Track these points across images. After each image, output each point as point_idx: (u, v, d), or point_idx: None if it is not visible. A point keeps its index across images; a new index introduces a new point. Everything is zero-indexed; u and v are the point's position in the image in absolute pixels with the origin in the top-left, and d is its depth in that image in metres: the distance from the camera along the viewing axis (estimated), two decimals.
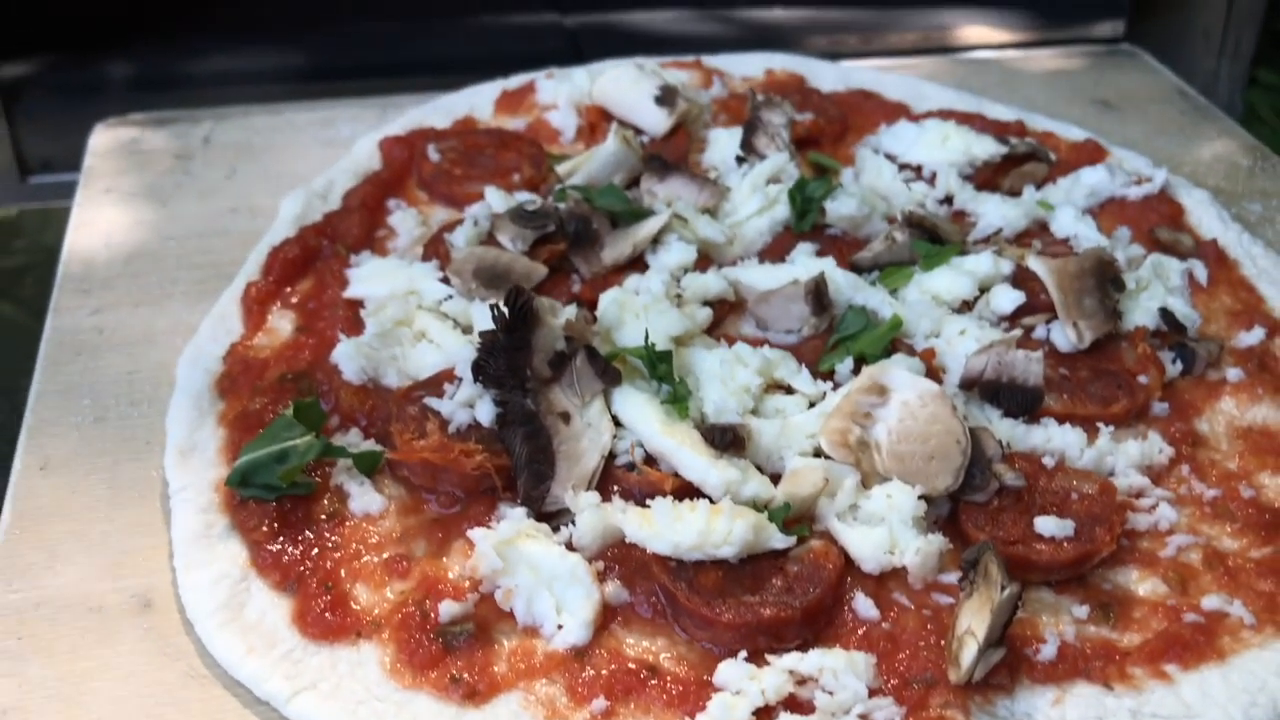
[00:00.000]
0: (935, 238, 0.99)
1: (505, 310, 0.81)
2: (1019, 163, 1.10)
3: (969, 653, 0.68)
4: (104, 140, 1.21)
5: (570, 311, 0.84)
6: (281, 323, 0.94)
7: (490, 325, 0.82)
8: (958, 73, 1.35)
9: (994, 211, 1.03)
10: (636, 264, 0.97)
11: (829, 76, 1.26)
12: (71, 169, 1.19)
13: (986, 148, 1.10)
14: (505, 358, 0.81)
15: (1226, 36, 1.59)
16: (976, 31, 1.61)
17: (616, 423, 0.82)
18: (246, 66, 1.42)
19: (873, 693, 0.68)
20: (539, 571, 0.73)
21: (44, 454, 0.86)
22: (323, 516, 0.79)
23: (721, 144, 1.11)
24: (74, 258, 1.04)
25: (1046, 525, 0.76)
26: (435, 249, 0.98)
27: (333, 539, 0.77)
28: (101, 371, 0.93)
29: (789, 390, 0.85)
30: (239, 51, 1.41)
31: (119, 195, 1.13)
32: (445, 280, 0.94)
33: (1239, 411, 0.89)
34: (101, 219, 1.09)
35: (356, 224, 1.02)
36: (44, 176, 1.43)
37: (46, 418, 0.89)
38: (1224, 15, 1.58)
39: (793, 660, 0.69)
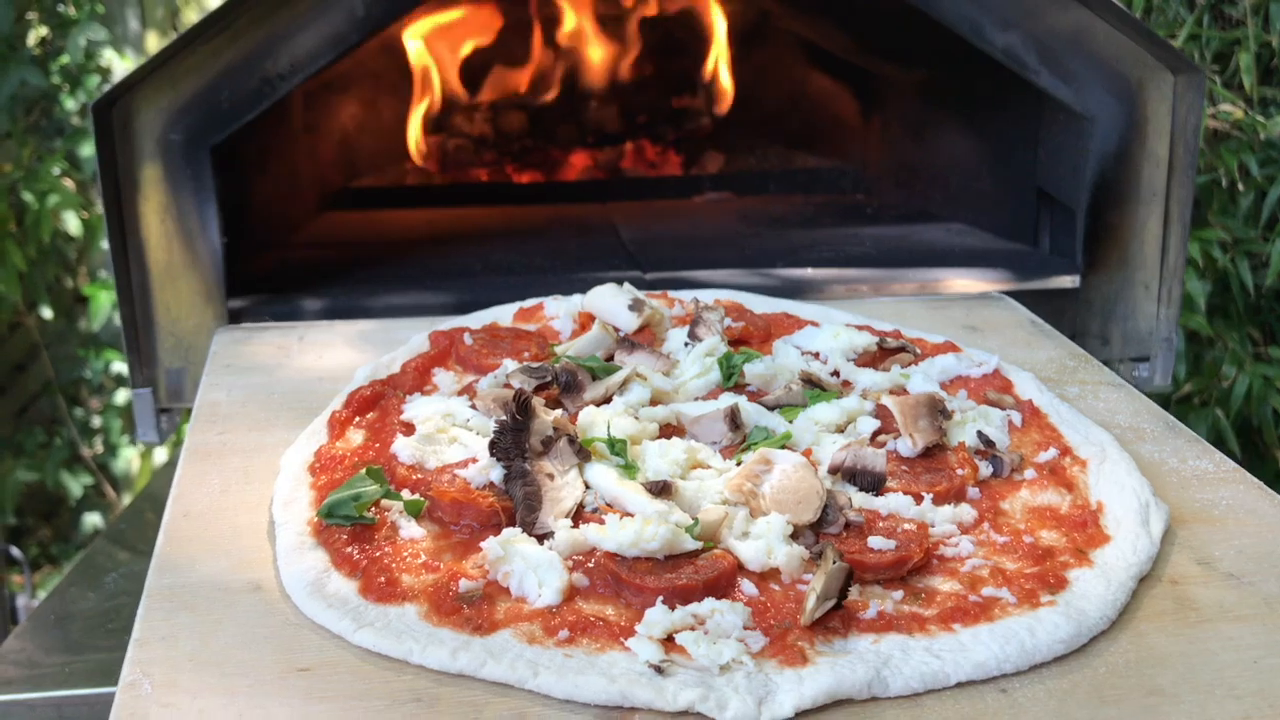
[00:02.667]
0: (821, 389, 1.38)
1: (514, 404, 1.20)
2: (891, 353, 1.52)
3: (811, 601, 1.02)
4: (224, 337, 1.65)
5: (558, 413, 1.23)
6: (355, 435, 1.33)
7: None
8: (868, 308, 1.78)
9: (867, 379, 1.43)
10: (608, 403, 1.37)
11: (760, 305, 1.70)
12: None
13: (866, 341, 1.51)
14: (511, 437, 1.19)
15: (1161, 288, 2.05)
16: (961, 283, 2.01)
17: (587, 486, 1.19)
18: (399, 302, 1.88)
19: (747, 630, 1.02)
20: (528, 560, 1.08)
21: (186, 508, 1.23)
22: (380, 538, 1.14)
23: (675, 338, 1.53)
24: (205, 402, 1.45)
25: (876, 542, 1.11)
26: (467, 390, 1.38)
27: (387, 549, 1.13)
28: (225, 465, 1.31)
29: (707, 467, 1.22)
30: (395, 292, 1.87)
31: (236, 368, 1.55)
32: (472, 407, 1.34)
33: (1031, 496, 1.25)
34: (223, 381, 1.51)
35: (410, 380, 1.43)
36: None
37: (187, 489, 1.26)
38: (1158, 273, 2.04)
39: (694, 606, 1.02)
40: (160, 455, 3.99)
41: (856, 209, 2.65)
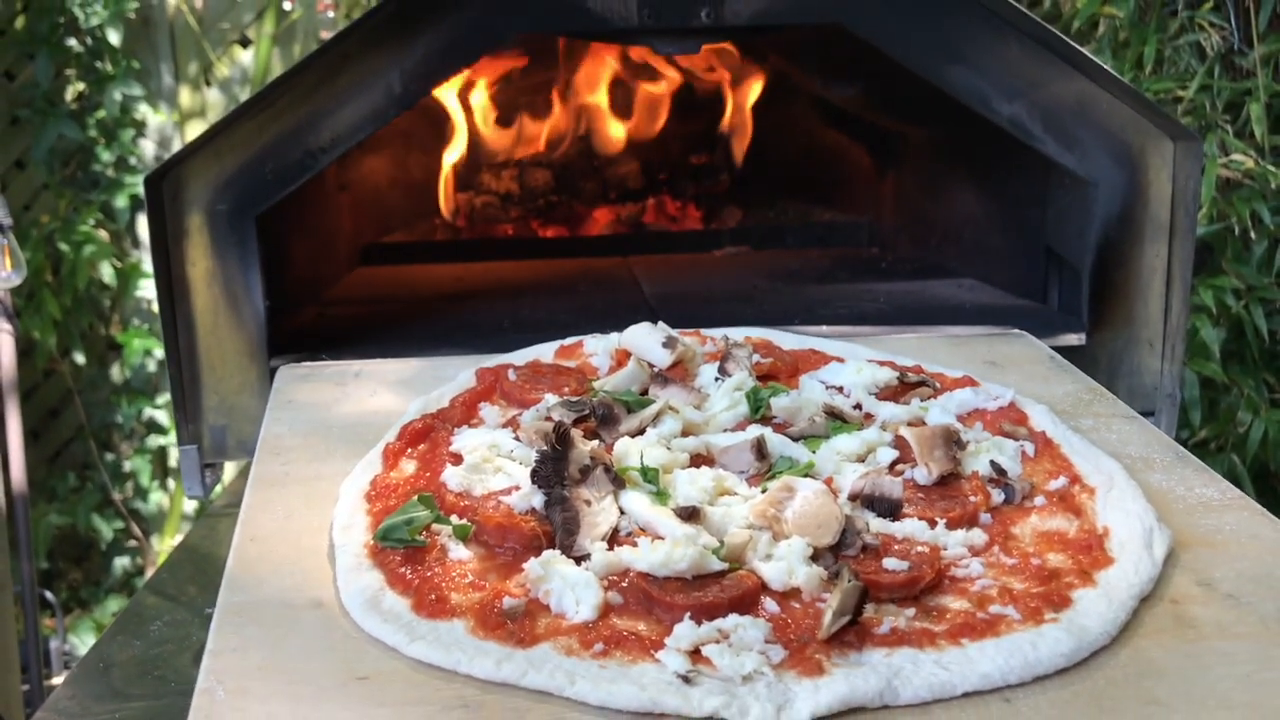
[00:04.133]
0: (843, 421, 1.47)
1: (553, 436, 1.30)
2: (911, 387, 1.60)
3: (828, 616, 1.10)
4: (285, 375, 1.76)
5: (595, 443, 1.33)
6: (408, 465, 1.43)
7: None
8: (893, 344, 1.86)
9: (887, 412, 1.52)
10: (642, 434, 1.46)
11: (789, 341, 1.79)
12: None
13: (888, 376, 1.60)
14: (551, 466, 1.29)
15: (1165, 346, 2.11)
16: (971, 330, 2.07)
17: (621, 511, 1.28)
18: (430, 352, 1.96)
19: (768, 643, 1.10)
20: (566, 579, 1.17)
21: (253, 533, 1.33)
22: (431, 560, 1.24)
23: (707, 373, 1.62)
24: (268, 435, 1.56)
25: (890, 563, 1.19)
26: (511, 423, 1.48)
27: (437, 570, 1.22)
28: (288, 493, 1.41)
29: (734, 494, 1.31)
30: (428, 350, 1.95)
31: (297, 404, 1.66)
32: (516, 439, 1.43)
33: (1040, 522, 1.32)
34: (286, 416, 1.62)
35: (459, 414, 1.53)
36: None
37: (253, 516, 1.37)
38: (1161, 330, 2.10)
39: (719, 621, 1.11)
40: (190, 503, 4.11)
41: (871, 263, 2.71)
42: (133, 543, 4.22)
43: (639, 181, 3.05)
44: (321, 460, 1.49)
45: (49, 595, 3.57)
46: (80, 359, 4.08)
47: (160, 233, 1.91)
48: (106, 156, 3.98)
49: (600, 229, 2.97)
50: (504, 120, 2.97)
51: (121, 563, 4.21)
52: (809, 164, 3.06)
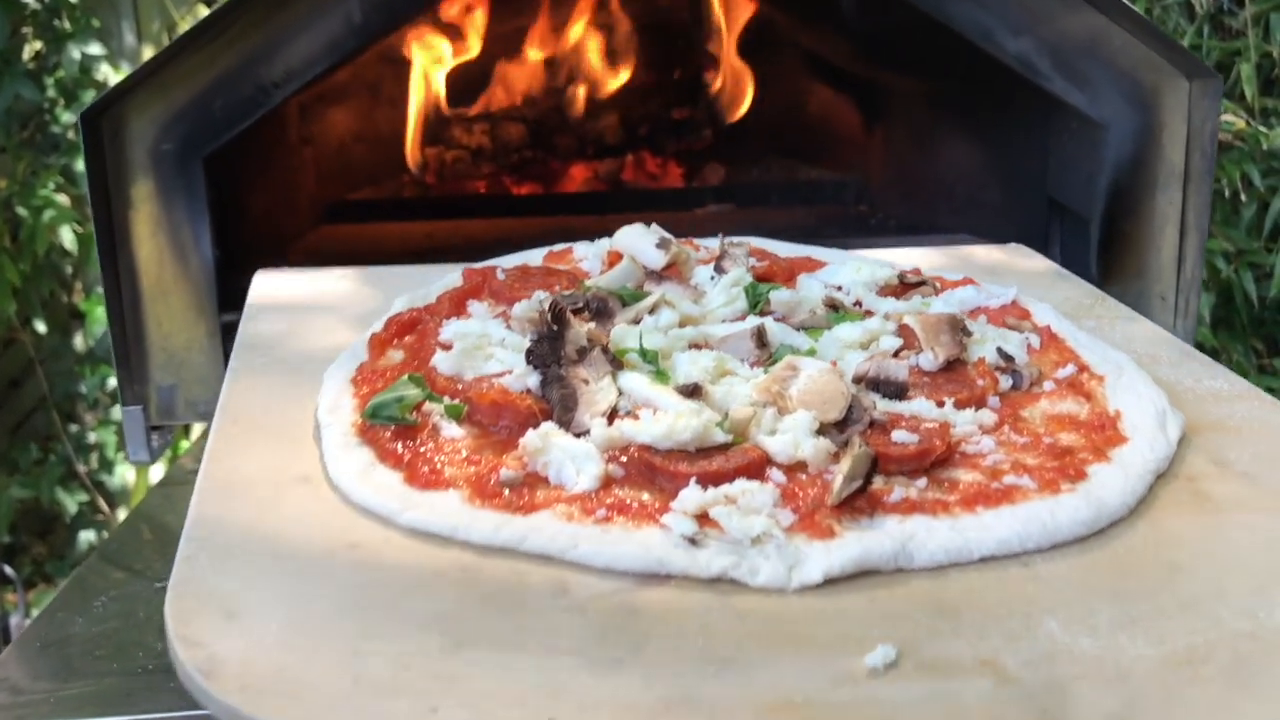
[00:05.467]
0: (845, 313, 1.43)
1: (549, 313, 1.25)
2: (912, 287, 1.56)
3: (838, 481, 1.06)
4: (262, 280, 1.70)
5: (591, 325, 1.28)
6: (395, 354, 1.38)
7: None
8: (890, 256, 1.81)
9: (888, 305, 1.48)
10: (638, 325, 1.41)
11: (784, 250, 1.75)
12: None
13: (888, 274, 1.56)
14: (547, 345, 1.24)
15: (1178, 300, 2.02)
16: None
17: (620, 392, 1.23)
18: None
19: (777, 508, 1.06)
20: (565, 450, 1.12)
21: (234, 416, 1.28)
22: (424, 437, 1.19)
23: (702, 273, 1.58)
24: (246, 333, 1.50)
25: (899, 436, 1.15)
26: (502, 316, 1.43)
27: (430, 446, 1.17)
28: (270, 381, 1.36)
29: (735, 375, 1.27)
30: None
31: (276, 306, 1.60)
32: (508, 328, 1.38)
33: (1050, 406, 1.28)
34: (265, 316, 1.56)
35: (446, 308, 1.48)
36: None
37: (233, 401, 1.31)
38: (1174, 284, 2.01)
39: (725, 487, 1.07)
40: (157, 471, 4.01)
41: (859, 221, 2.64)
42: (99, 516, 4.12)
43: (618, 137, 2.93)
44: (303, 354, 1.44)
45: (8, 570, 3.48)
46: (41, 327, 3.95)
47: (99, 174, 1.78)
48: (66, 118, 3.85)
49: (577, 186, 2.85)
50: (474, 71, 2.86)
51: (87, 536, 4.09)
52: (795, 120, 2.96)
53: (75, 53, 3.79)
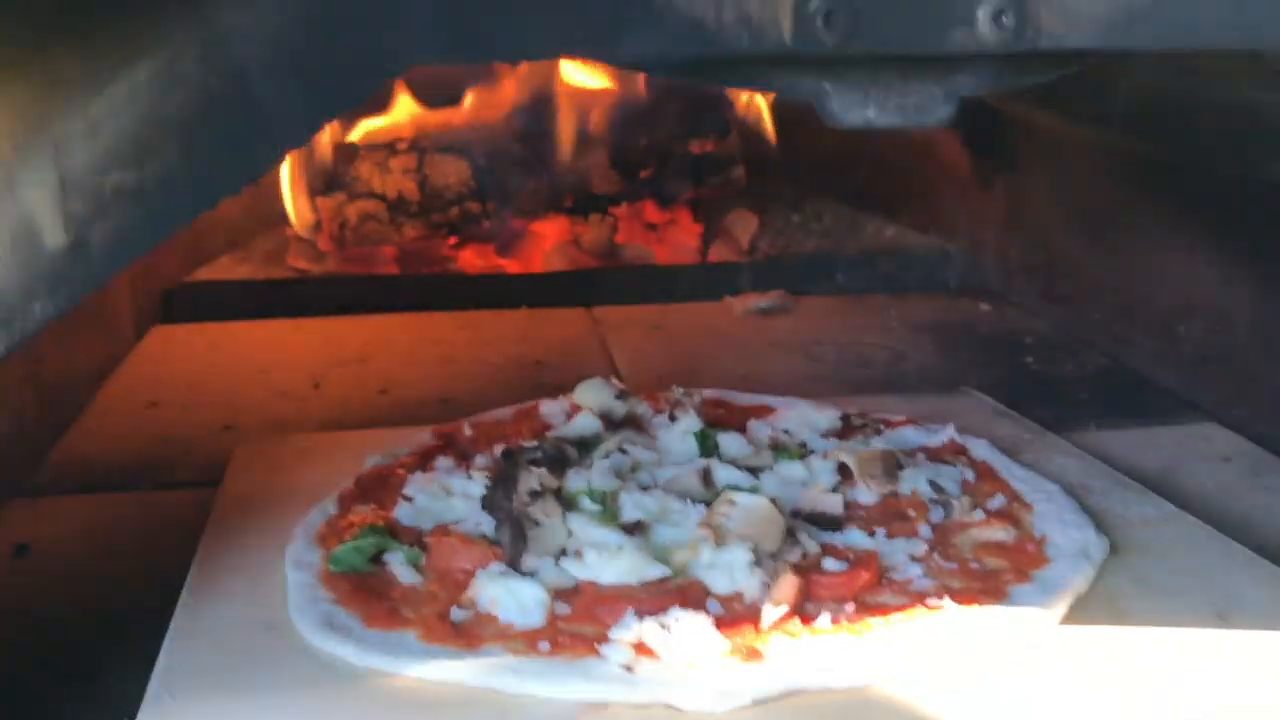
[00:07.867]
0: (787, 453, 1.51)
1: (501, 460, 1.33)
2: (856, 430, 1.65)
3: (767, 608, 1.13)
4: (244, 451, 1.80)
5: (543, 472, 1.37)
6: (363, 509, 1.46)
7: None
8: (842, 404, 1.90)
9: (832, 446, 1.56)
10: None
11: (742, 399, 1.84)
12: None
13: (833, 419, 1.65)
14: (501, 490, 1.32)
15: None
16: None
17: (570, 533, 1.31)
18: None
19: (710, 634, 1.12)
20: (513, 591, 1.19)
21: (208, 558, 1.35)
22: (383, 584, 1.26)
23: (659, 425, 1.67)
24: (229, 493, 1.59)
25: (830, 564, 1.22)
26: (462, 466, 1.52)
27: (389, 593, 1.24)
28: (246, 525, 1.44)
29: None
30: None
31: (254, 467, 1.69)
32: (468, 478, 1.47)
33: (979, 534, 1.36)
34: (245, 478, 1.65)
35: (414, 463, 1.57)
36: None
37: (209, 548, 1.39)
38: None
39: (661, 616, 1.13)
40: None
41: (1001, 343, 1.72)
42: None
43: (609, 180, 2.06)
44: (278, 511, 1.52)
45: None
46: None
47: None
48: None
49: (547, 258, 1.93)
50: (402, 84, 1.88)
51: None
52: (856, 155, 2.00)
53: None
